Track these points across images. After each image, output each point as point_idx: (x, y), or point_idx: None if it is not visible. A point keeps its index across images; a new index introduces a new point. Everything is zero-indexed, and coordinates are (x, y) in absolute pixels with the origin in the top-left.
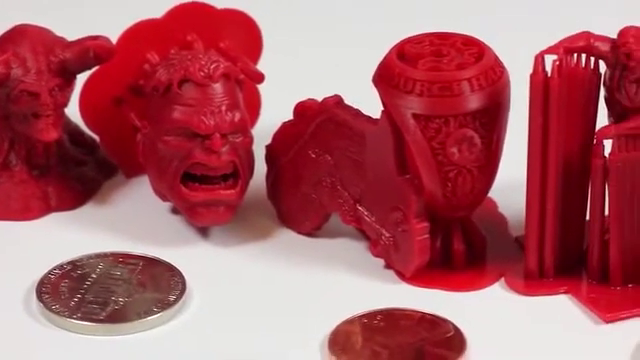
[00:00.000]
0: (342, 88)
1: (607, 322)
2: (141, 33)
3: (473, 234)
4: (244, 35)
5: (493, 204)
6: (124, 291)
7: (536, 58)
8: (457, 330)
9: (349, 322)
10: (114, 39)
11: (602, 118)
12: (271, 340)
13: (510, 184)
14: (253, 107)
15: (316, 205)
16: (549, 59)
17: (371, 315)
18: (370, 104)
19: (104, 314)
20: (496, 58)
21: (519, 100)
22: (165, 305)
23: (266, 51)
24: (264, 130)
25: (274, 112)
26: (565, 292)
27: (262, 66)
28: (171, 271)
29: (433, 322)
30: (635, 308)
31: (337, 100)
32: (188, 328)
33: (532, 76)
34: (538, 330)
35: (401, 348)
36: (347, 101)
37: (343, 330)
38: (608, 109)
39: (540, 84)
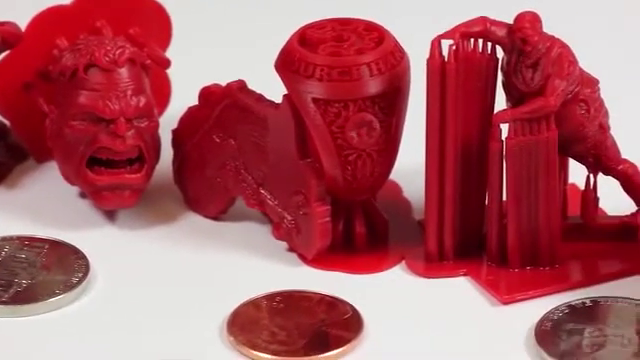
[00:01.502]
0: (252, 74)
1: (504, 304)
2: (51, 19)
3: (375, 217)
4: (154, 22)
5: (398, 188)
6: (28, 274)
7: (432, 43)
8: (355, 311)
9: (248, 303)
10: (23, 25)
11: (503, 103)
12: (172, 321)
13: (415, 169)
14: (163, 93)
15: (221, 189)
16: (446, 44)
17: (270, 297)
18: (278, 89)
19: (7, 296)
20: (396, 43)
21: (422, 85)
22: (68, 287)
23: (178, 38)
24: (174, 115)
25: (185, 98)
26: (464, 274)
27: (173, 52)
28: (76, 253)
29: (332, 304)
30: (532, 290)
31: (240, 85)
32: (91, 310)
33: (429, 61)
34: (436, 311)
35: (299, 329)
36: (257, 86)
37: (242, 311)
38: (506, 94)
39: (437, 69)
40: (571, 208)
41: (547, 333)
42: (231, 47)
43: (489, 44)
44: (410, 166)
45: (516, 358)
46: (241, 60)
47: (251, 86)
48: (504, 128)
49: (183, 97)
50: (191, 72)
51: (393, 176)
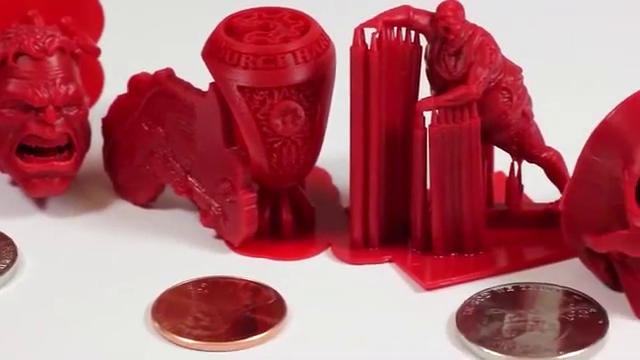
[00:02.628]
0: (184, 62)
1: (428, 289)
2: None
3: (302, 205)
4: (86, 11)
5: (327, 176)
6: None
7: (355, 31)
8: (279, 297)
9: (173, 290)
10: None
11: (427, 91)
12: (99, 308)
13: (345, 157)
14: (96, 82)
15: (150, 176)
16: (370, 32)
17: (196, 283)
18: (208, 78)
19: None
20: (322, 32)
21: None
22: None
23: (111, 27)
24: (108, 104)
25: (118, 87)
26: (389, 261)
27: (106, 42)
28: (5, 240)
29: (256, 289)
30: (455, 276)
31: (168, 73)
32: (18, 296)
33: (352, 49)
34: (360, 297)
35: (223, 314)
36: (187, 75)
37: (167, 298)
38: (429, 82)
39: (360, 57)
40: (497, 195)
41: (468, 318)
42: (166, 36)
43: (412, 33)
44: (340, 154)
45: (437, 343)
46: (174, 49)
47: (181, 75)
48: (427, 116)
49: (117, 86)
50: (125, 61)
51: (322, 164)
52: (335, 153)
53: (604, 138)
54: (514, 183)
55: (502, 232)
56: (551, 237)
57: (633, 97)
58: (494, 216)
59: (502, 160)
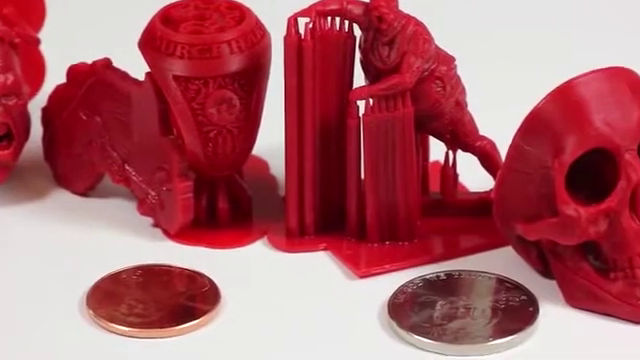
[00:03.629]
0: (126, 52)
1: (361, 277)
2: None
3: (238, 193)
4: (28, 2)
5: (265, 165)
6: None
7: (289, 20)
8: (213, 284)
9: (109, 277)
10: None
11: (362, 81)
12: (35, 295)
13: (283, 146)
14: (37, 72)
15: (88, 165)
16: (303, 22)
17: (131, 270)
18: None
19: None
20: (257, 21)
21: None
22: None
23: (53, 18)
24: (48, 94)
25: (60, 77)
26: (324, 249)
27: (48, 33)
28: None
29: (191, 277)
30: (389, 264)
31: (106, 63)
32: None
33: (285, 38)
34: (295, 285)
35: (157, 302)
36: (128, 65)
37: (103, 285)
38: (364, 71)
39: (293, 46)
40: (434, 184)
41: (400, 306)
42: (107, 26)
43: (346, 22)
44: (278, 144)
45: (369, 330)
46: (115, 39)
47: (120, 65)
48: (361, 105)
49: (59, 76)
50: (67, 51)
51: (261, 153)
52: (274, 142)
53: (534, 127)
54: (449, 172)
55: (437, 221)
56: (485, 225)
57: (563, 86)
58: (429, 205)
59: (439, 149)
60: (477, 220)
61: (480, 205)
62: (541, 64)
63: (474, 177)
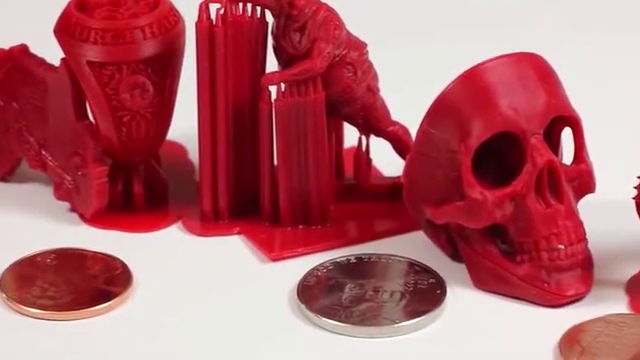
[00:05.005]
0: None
1: (273, 261)
2: None
3: (154, 178)
4: None
5: (183, 150)
6: None
7: (200, 6)
8: (125, 267)
9: (22, 261)
10: None
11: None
12: None
13: None
14: None
15: (6, 151)
16: (215, 8)
17: (45, 254)
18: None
19: None
20: (171, 8)
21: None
22: None
23: None
24: None
25: None
26: (238, 233)
27: None
28: None
29: (104, 260)
30: (301, 248)
31: (22, 49)
32: None
33: (197, 24)
34: (208, 268)
35: (69, 285)
36: (45, 51)
37: (16, 269)
38: (276, 57)
39: (205, 32)
40: (349, 169)
41: (310, 289)
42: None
43: (258, 8)
44: (196, 129)
45: (279, 313)
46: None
47: (37, 51)
48: (274, 90)
49: None
50: None
51: (180, 139)
52: (192, 128)
53: (441, 111)
54: (362, 157)
55: (351, 205)
56: (398, 210)
57: (470, 71)
58: (343, 189)
59: (355, 135)
60: (390, 204)
61: (393, 190)
62: (454, 49)
63: (389, 162)
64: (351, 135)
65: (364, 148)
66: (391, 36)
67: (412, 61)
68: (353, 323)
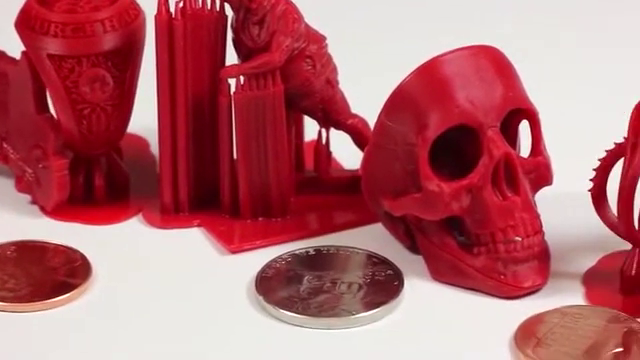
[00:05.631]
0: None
1: (233, 253)
2: None
3: (115, 171)
4: None
5: (145, 143)
6: None
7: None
8: (85, 259)
9: None
10: None
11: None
12: None
13: None
14: None
15: None
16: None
17: (5, 246)
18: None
19: None
20: (132, 1)
21: None
22: None
23: None
24: None
25: None
26: (198, 225)
27: None
28: None
29: (64, 252)
30: (260, 240)
31: None
32: None
33: (156, 17)
34: (167, 261)
35: (28, 276)
36: (6, 44)
37: None
38: (236, 51)
39: (164, 25)
40: (311, 162)
41: (268, 280)
42: None
43: (217, 1)
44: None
45: (237, 305)
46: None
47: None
48: (233, 83)
49: None
50: None
51: (142, 132)
52: (155, 121)
53: (398, 104)
54: (322, 150)
55: (311, 198)
56: (358, 202)
57: (427, 63)
58: (303, 182)
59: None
60: (350, 197)
61: (353, 182)
62: (413, 42)
63: (350, 155)
64: (312, 128)
65: (324, 141)
66: (350, 29)
67: (371, 54)
68: (310, 315)
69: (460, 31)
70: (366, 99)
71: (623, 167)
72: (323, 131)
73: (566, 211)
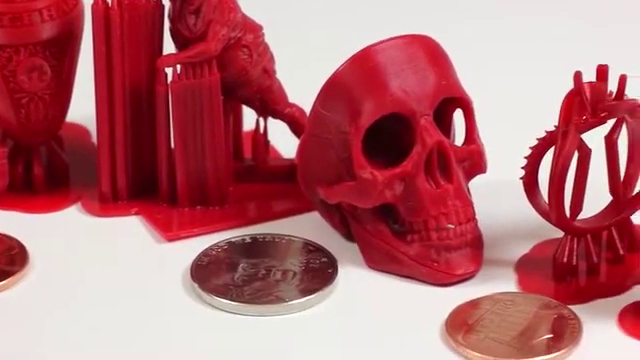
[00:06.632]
0: None
1: (169, 241)
2: None
3: (55, 159)
4: None
5: (86, 132)
6: None
7: None
8: (21, 247)
9: None
10: None
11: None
12: None
13: None
14: None
15: None
16: None
17: None
18: None
19: None
20: None
21: None
22: None
23: None
24: None
25: None
26: (136, 213)
27: None
28: None
29: (1, 240)
30: (197, 228)
31: None
32: None
33: (92, 6)
34: (104, 249)
35: None
36: None
37: None
38: (173, 40)
39: (101, 14)
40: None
41: (203, 268)
42: None
43: None
44: None
45: (173, 293)
46: None
47: None
48: (170, 73)
49: None
50: None
51: (83, 121)
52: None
53: (333, 92)
54: (260, 138)
55: (250, 186)
56: (296, 190)
57: (360, 52)
58: (242, 171)
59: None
60: (288, 185)
61: (291, 171)
62: (350, 31)
63: (289, 143)
64: (251, 117)
65: (262, 130)
66: (287, 18)
67: (309, 43)
68: (244, 302)
69: (398, 21)
70: (303, 88)
71: (554, 155)
72: (261, 120)
73: (500, 199)
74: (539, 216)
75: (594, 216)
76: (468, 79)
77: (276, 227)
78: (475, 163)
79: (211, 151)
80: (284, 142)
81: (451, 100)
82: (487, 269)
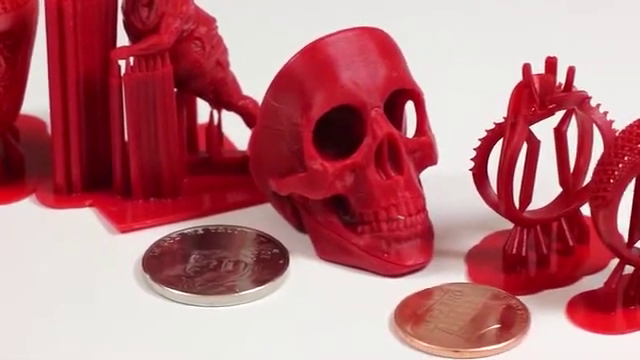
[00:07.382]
0: None
1: (122, 232)
2: None
3: (10, 151)
4: None
5: (42, 125)
6: None
7: None
8: None
9: None
10: None
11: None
12: None
13: None
14: None
15: None
16: None
17: None
18: None
19: None
20: None
21: None
22: None
23: None
24: None
25: None
26: (90, 205)
27: None
28: None
29: None
30: (150, 219)
31: None
32: None
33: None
34: (57, 241)
35: None
36: None
37: None
38: (126, 33)
39: (54, 6)
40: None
41: (155, 259)
42: None
43: None
44: None
45: (124, 284)
46: None
47: None
48: (124, 65)
49: None
50: None
51: (40, 113)
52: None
53: (284, 84)
54: (213, 131)
55: (204, 178)
56: (250, 182)
57: (311, 45)
58: (196, 163)
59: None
60: (242, 177)
61: (245, 163)
62: (303, 23)
63: (243, 135)
64: (205, 110)
65: (216, 122)
66: (241, 11)
67: (262, 36)
68: (195, 292)
69: (349, 13)
70: (257, 80)
71: (502, 147)
72: (215, 112)
73: (450, 190)
74: (489, 207)
75: (544, 207)
76: (419, 71)
77: (229, 219)
78: (426, 155)
79: (165, 143)
80: (238, 134)
81: (402, 92)
82: (437, 260)
